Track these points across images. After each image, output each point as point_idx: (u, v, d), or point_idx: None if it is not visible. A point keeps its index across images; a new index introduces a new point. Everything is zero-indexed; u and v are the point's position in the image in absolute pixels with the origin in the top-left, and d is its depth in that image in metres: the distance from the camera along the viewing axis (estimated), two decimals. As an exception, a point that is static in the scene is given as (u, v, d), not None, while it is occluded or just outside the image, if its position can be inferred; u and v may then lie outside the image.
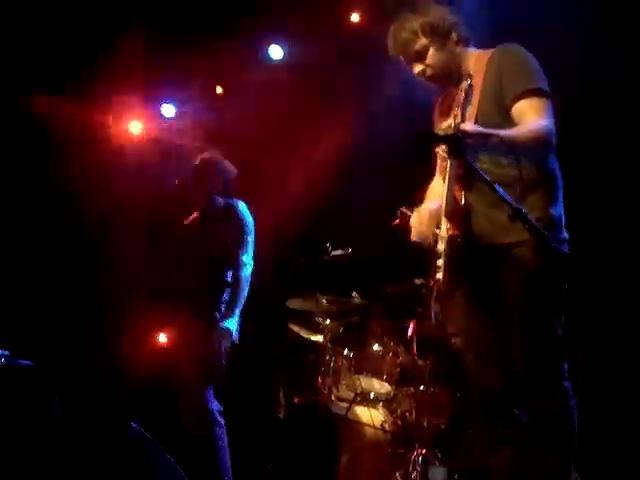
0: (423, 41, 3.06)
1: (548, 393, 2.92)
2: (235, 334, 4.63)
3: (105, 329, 5.89)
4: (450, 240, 2.93)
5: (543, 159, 3.02)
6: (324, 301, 5.02)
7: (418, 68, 3.11)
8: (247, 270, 4.68)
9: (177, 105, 6.61)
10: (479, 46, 3.21)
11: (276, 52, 6.18)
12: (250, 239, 4.75)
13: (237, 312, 4.64)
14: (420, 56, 3.09)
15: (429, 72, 3.10)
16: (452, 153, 2.68)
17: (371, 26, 5.64)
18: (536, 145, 2.90)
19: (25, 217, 6.05)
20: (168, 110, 6.69)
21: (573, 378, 3.00)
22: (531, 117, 2.92)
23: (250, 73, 6.19)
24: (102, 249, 6.09)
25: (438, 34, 3.07)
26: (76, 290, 6.03)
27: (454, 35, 3.11)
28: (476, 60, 3.11)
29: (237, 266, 4.67)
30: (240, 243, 4.70)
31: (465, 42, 3.15)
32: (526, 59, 3.05)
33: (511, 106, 2.97)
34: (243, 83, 6.20)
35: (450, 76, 3.12)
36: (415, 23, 3.06)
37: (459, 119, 2.88)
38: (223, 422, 4.60)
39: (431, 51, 3.07)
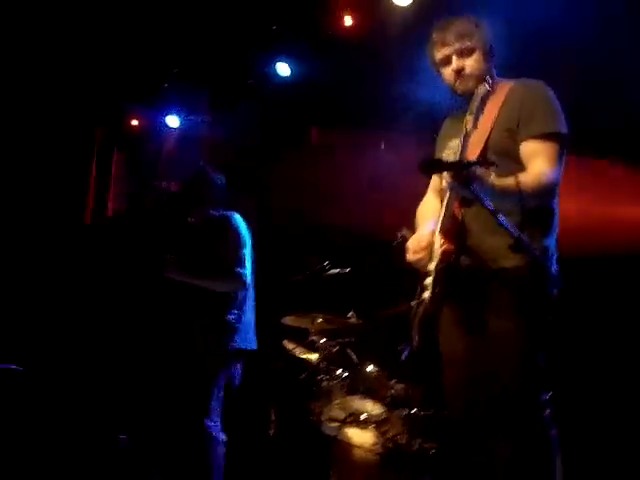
0: (477, 40, 3.13)
1: (527, 422, 2.90)
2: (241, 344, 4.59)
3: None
4: (443, 255, 2.94)
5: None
6: (320, 319, 5.00)
7: (458, 63, 3.14)
8: (245, 281, 4.60)
9: (182, 116, 6.66)
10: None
11: (283, 69, 6.20)
12: (246, 252, 4.67)
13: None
14: (467, 52, 3.14)
15: (467, 70, 3.13)
16: (457, 180, 2.67)
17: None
18: (536, 195, 2.91)
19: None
20: (173, 121, 6.74)
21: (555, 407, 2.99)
22: (539, 163, 2.94)
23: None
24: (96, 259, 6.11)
25: (487, 45, 3.15)
26: (68, 295, 6.03)
27: (494, 56, 3.19)
28: (497, 88, 3.14)
29: (234, 278, 4.60)
30: (235, 257, 4.63)
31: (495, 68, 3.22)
32: (549, 99, 3.06)
33: (522, 141, 2.99)
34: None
35: (475, 88, 3.12)
36: (479, 23, 3.16)
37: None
38: (221, 438, 4.53)
39: (476, 54, 3.14)
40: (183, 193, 4.92)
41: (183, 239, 4.91)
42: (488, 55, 3.16)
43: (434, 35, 3.22)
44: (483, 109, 3.05)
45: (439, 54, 3.20)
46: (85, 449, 3.85)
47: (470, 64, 3.13)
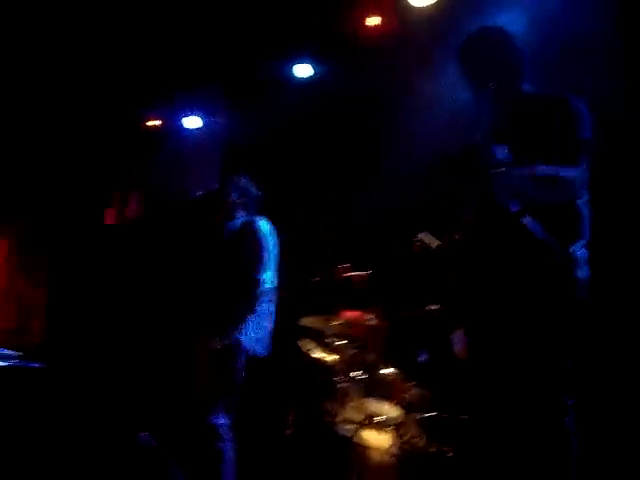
0: (496, 56, 3.25)
1: (550, 428, 2.90)
2: (248, 345, 4.57)
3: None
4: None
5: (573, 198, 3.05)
6: (337, 321, 5.00)
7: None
8: (262, 286, 4.59)
9: (203, 117, 6.67)
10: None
11: (303, 70, 6.21)
12: (267, 256, 4.66)
13: (245, 326, 4.54)
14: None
15: (492, 86, 3.23)
16: (485, 181, 2.68)
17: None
18: (556, 188, 2.91)
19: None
20: (194, 122, 6.74)
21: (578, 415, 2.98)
22: (563, 162, 2.95)
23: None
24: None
25: (510, 62, 3.26)
26: (93, 296, 6.06)
27: (521, 68, 3.27)
28: (534, 98, 3.23)
29: (251, 282, 4.59)
30: (255, 260, 4.63)
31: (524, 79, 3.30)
32: (576, 108, 3.11)
33: (548, 144, 3.01)
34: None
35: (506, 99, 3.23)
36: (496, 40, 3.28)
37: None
38: (230, 436, 4.53)
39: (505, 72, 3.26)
40: (212, 202, 4.91)
41: (211, 247, 4.89)
42: (516, 70, 3.27)
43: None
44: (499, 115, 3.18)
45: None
46: (105, 447, 3.87)
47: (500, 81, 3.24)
